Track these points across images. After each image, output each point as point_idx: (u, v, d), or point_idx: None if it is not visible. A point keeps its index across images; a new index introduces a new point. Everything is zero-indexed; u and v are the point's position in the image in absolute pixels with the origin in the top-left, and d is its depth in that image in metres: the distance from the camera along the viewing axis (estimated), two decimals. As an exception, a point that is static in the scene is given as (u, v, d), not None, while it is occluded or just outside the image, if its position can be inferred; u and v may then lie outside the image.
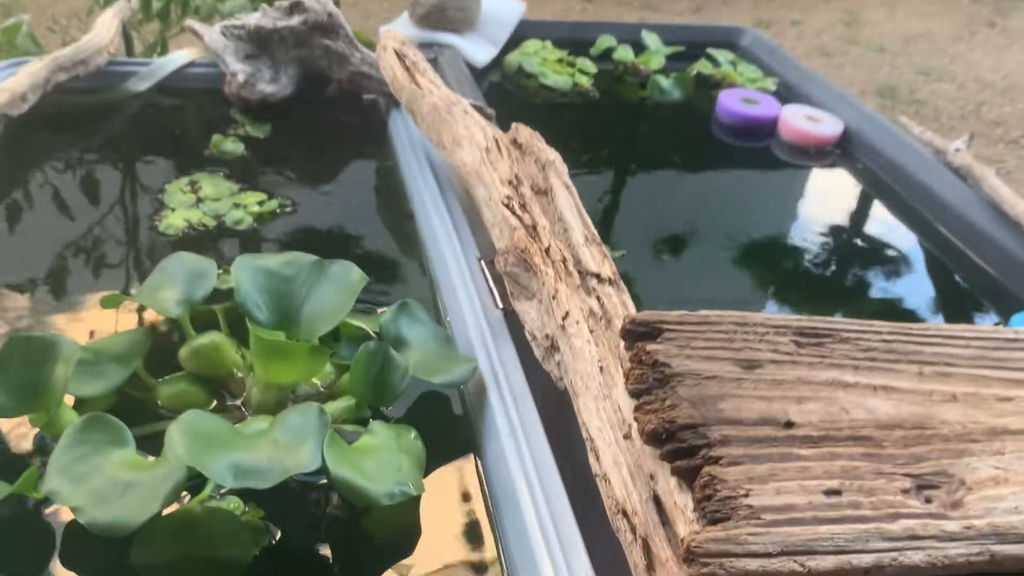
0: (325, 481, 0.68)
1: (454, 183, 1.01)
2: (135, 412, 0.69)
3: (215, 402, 0.72)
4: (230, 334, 0.74)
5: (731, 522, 0.48)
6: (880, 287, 1.09)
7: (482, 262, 0.87)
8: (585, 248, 0.74)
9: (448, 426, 0.75)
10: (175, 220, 0.97)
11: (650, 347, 0.57)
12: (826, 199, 1.28)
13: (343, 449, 0.64)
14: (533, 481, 0.64)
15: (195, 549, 0.61)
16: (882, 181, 1.30)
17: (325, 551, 0.65)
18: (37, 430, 0.68)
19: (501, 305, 0.81)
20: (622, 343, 0.64)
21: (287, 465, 0.59)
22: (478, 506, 0.69)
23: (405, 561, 0.64)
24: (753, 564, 0.47)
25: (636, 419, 0.55)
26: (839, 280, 1.10)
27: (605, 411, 0.60)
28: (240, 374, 0.72)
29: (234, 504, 0.65)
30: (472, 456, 0.72)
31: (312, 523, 0.66)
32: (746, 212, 1.24)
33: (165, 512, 0.60)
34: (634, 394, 0.57)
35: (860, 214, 1.25)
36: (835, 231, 1.19)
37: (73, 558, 0.61)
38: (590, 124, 1.44)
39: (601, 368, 0.63)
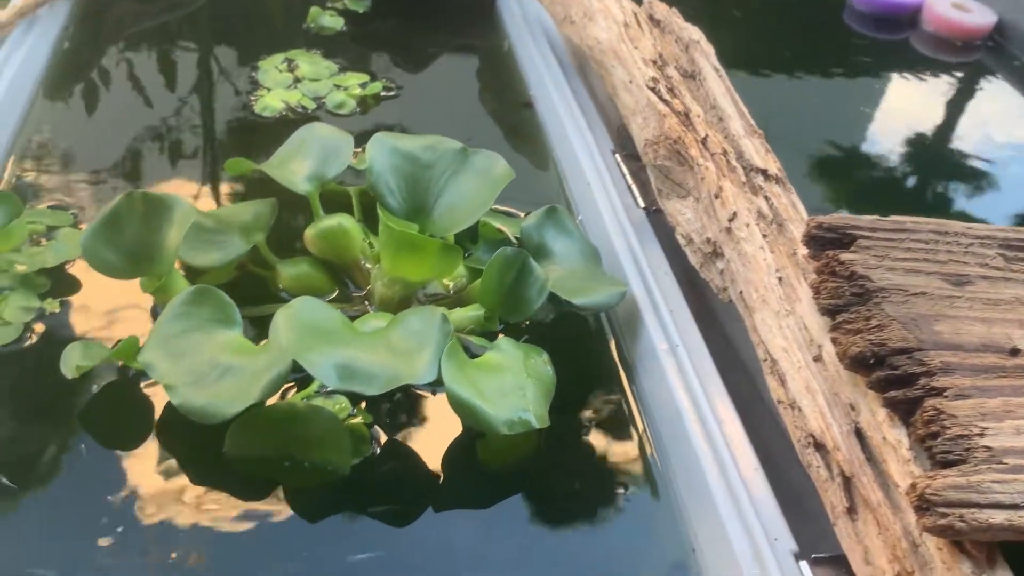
0: (443, 395, 0.62)
1: (574, 65, 0.91)
2: (253, 291, 0.63)
3: (337, 291, 0.66)
4: (361, 220, 0.67)
5: (968, 465, 0.40)
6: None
7: (617, 156, 0.78)
8: (747, 140, 0.64)
9: (590, 347, 0.67)
10: (272, 101, 0.89)
11: (844, 256, 0.49)
12: (975, 100, 1.14)
13: (463, 364, 0.57)
14: (703, 406, 0.56)
15: (292, 448, 0.56)
16: (1044, 81, 1.15)
17: (432, 472, 0.58)
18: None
19: (643, 204, 0.72)
20: (799, 251, 0.55)
21: (400, 373, 0.53)
22: (627, 435, 0.61)
23: (518, 496, 0.58)
24: (999, 517, 0.39)
25: (835, 340, 0.47)
26: (996, 196, 0.98)
27: (789, 329, 0.52)
28: (367, 264, 0.65)
29: (341, 405, 0.59)
30: (621, 380, 0.64)
31: (423, 439, 0.60)
32: (882, 114, 1.12)
33: (266, 403, 0.54)
34: (828, 311, 0.49)
35: (1017, 118, 1.12)
36: (987, 139, 1.07)
37: (169, 438, 0.56)
38: (703, 11, 1.30)
39: (780, 279, 0.54)
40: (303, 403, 0.57)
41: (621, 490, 0.58)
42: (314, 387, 0.58)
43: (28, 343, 0.60)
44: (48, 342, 0.61)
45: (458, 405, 0.55)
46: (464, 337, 0.62)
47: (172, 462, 0.55)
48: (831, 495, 0.46)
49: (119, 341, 0.56)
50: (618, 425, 0.62)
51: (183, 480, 0.55)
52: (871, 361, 0.45)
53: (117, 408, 0.58)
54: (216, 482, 0.55)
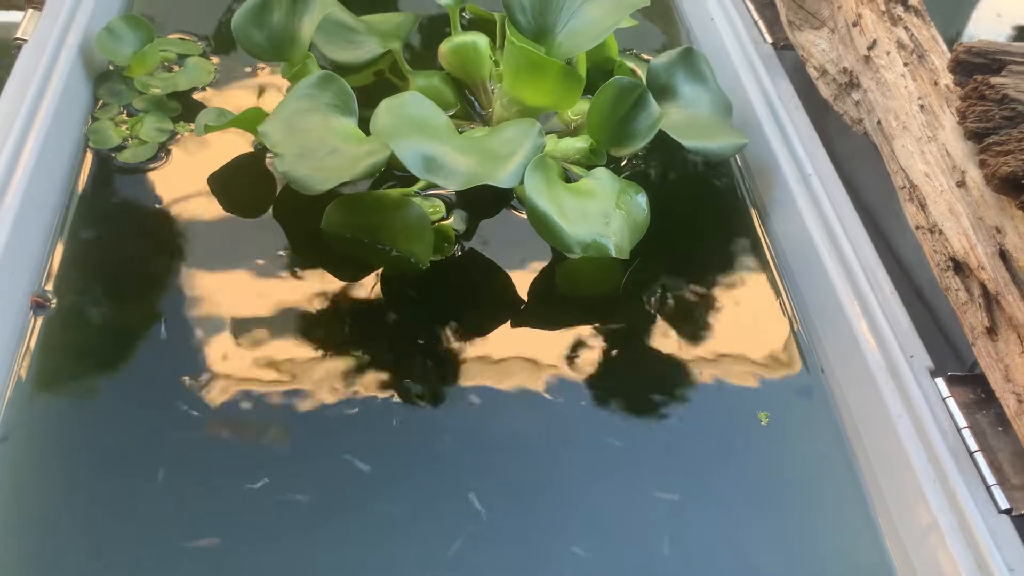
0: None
1: None
2: (383, 95, 0.65)
3: (459, 106, 0.68)
4: (500, 46, 0.68)
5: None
6: None
7: None
8: (885, -29, 0.58)
9: (714, 190, 0.65)
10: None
11: (995, 80, 0.46)
12: None
13: (551, 180, 0.56)
14: (836, 232, 0.54)
15: (380, 234, 0.59)
16: None
17: (508, 290, 0.59)
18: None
19: (770, 39, 0.68)
20: (942, 80, 0.50)
21: (482, 173, 0.53)
22: (751, 265, 0.59)
23: (598, 323, 0.56)
24: None
25: (983, 162, 0.45)
26: None
27: (931, 155, 0.49)
28: (493, 87, 0.67)
29: (436, 208, 0.61)
30: (751, 217, 0.62)
31: (510, 259, 0.60)
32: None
33: (366, 192, 0.59)
34: (975, 134, 0.46)
35: None
36: None
37: (283, 210, 0.61)
38: None
39: (922, 106, 0.51)
40: (399, 195, 0.59)
41: (744, 316, 0.57)
42: (415, 188, 0.60)
43: (163, 162, 0.65)
44: (179, 162, 0.65)
45: (534, 217, 0.54)
46: (566, 165, 0.61)
47: (281, 235, 0.60)
48: (971, 316, 0.43)
49: (246, 110, 0.62)
50: (743, 257, 0.60)
51: (286, 255, 0.59)
52: (1022, 181, 0.42)
53: (242, 181, 0.64)
54: (314, 261, 0.59)
